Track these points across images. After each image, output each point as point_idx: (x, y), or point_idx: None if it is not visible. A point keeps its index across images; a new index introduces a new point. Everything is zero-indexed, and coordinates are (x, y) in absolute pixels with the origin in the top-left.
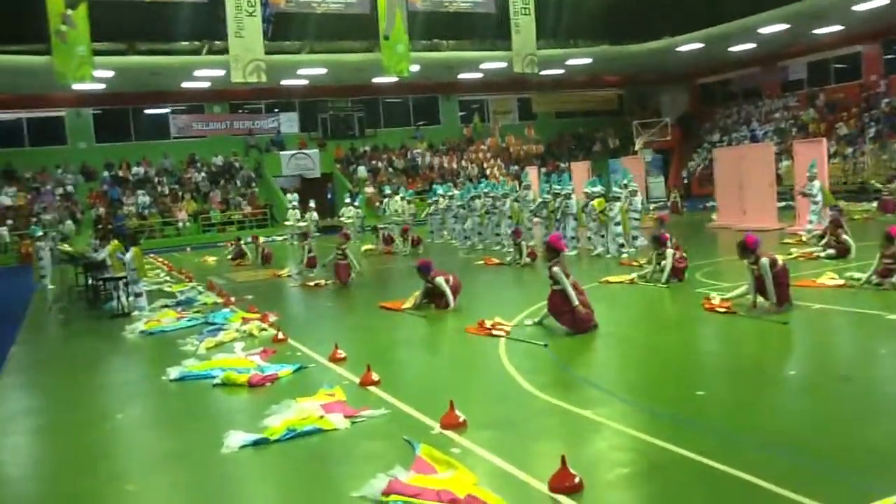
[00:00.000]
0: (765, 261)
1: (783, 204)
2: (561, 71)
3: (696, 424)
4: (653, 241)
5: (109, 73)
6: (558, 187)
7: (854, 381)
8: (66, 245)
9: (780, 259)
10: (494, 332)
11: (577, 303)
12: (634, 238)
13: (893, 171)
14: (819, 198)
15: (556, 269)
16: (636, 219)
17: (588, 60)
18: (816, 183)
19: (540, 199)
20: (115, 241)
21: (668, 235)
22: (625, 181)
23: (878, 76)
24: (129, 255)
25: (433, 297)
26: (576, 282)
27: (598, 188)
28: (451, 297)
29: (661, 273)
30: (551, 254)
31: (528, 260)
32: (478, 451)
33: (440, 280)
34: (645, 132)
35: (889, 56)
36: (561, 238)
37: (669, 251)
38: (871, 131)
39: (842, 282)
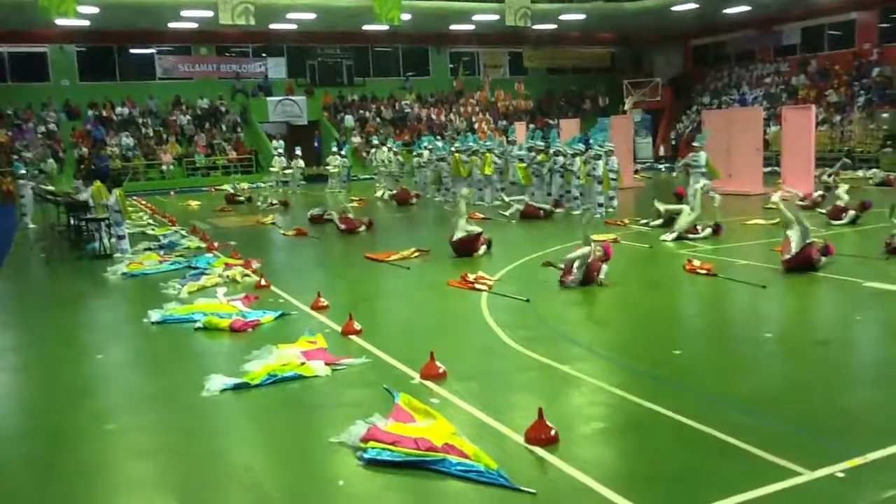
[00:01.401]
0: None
1: (769, 169)
2: (554, 26)
3: (673, 383)
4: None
5: (94, 10)
6: (540, 143)
7: (829, 345)
8: (48, 184)
9: None
10: (477, 285)
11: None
12: (611, 198)
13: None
14: (704, 170)
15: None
16: (614, 179)
17: (582, 16)
18: (703, 154)
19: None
20: (98, 183)
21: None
22: (600, 140)
23: (871, 45)
24: (112, 197)
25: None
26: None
27: (580, 146)
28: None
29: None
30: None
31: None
32: (456, 401)
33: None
34: (636, 92)
35: (884, 24)
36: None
37: (686, 208)
38: (860, 100)
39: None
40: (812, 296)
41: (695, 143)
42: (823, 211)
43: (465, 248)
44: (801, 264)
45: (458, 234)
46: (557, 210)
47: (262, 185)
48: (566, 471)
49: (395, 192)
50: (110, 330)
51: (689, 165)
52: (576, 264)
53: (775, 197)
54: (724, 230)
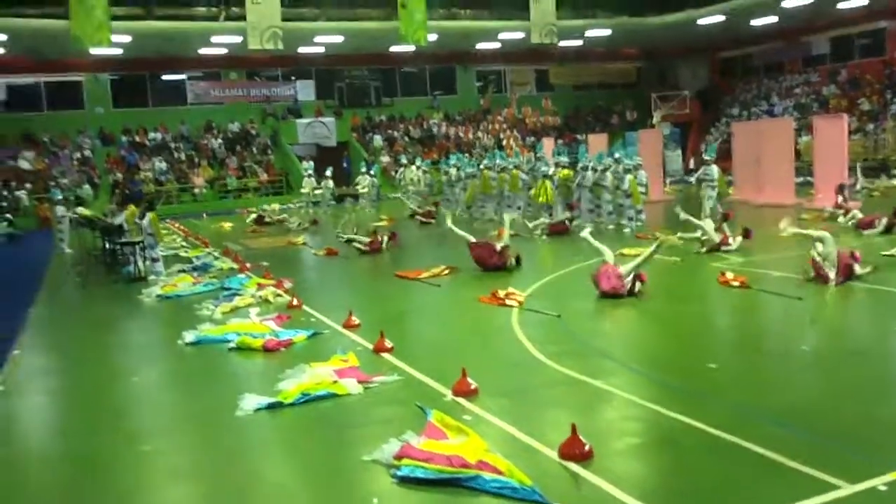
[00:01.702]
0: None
1: (801, 179)
2: (579, 42)
3: (707, 397)
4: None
5: (127, 38)
6: (565, 160)
7: (866, 356)
8: (83, 209)
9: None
10: (508, 301)
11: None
12: (639, 212)
13: None
14: (715, 184)
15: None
16: (643, 192)
17: (607, 32)
18: (714, 168)
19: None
20: (132, 207)
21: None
22: (617, 155)
23: None
24: (146, 220)
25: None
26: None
27: (609, 160)
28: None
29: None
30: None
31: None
32: (489, 418)
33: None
34: (663, 105)
35: None
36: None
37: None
38: (893, 108)
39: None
40: (849, 307)
41: (705, 157)
42: (852, 221)
43: (482, 258)
44: (845, 275)
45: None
46: (574, 213)
47: (293, 206)
48: (601, 486)
49: (422, 210)
50: (145, 352)
51: (701, 180)
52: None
53: (785, 226)
54: (753, 233)
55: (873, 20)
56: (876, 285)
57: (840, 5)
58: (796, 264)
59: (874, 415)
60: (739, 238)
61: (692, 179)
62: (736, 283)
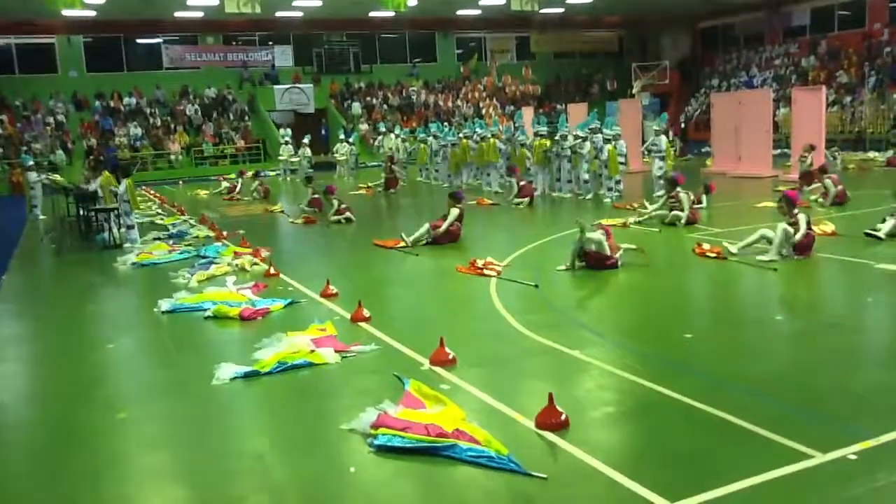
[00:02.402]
0: (802, 215)
1: (778, 151)
2: (561, 10)
3: (683, 366)
4: (668, 184)
5: (100, 0)
6: (543, 129)
7: (840, 327)
8: (57, 175)
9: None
10: (486, 271)
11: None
12: (618, 182)
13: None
14: (664, 153)
15: (596, 234)
16: (622, 163)
17: (589, 0)
18: (662, 138)
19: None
20: (107, 173)
21: (682, 178)
22: (594, 125)
23: (882, 24)
24: (121, 187)
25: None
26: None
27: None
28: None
29: (677, 215)
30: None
31: (520, 200)
32: (466, 387)
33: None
34: (644, 75)
35: (894, 4)
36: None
37: (684, 194)
38: (871, 81)
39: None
40: (823, 278)
41: (655, 127)
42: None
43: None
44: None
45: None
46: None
47: (269, 173)
48: (577, 455)
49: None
50: (121, 320)
51: (649, 150)
52: (593, 248)
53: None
54: (715, 186)
55: None
56: (849, 257)
57: None
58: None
59: (846, 385)
60: (704, 196)
61: (642, 149)
62: (712, 255)
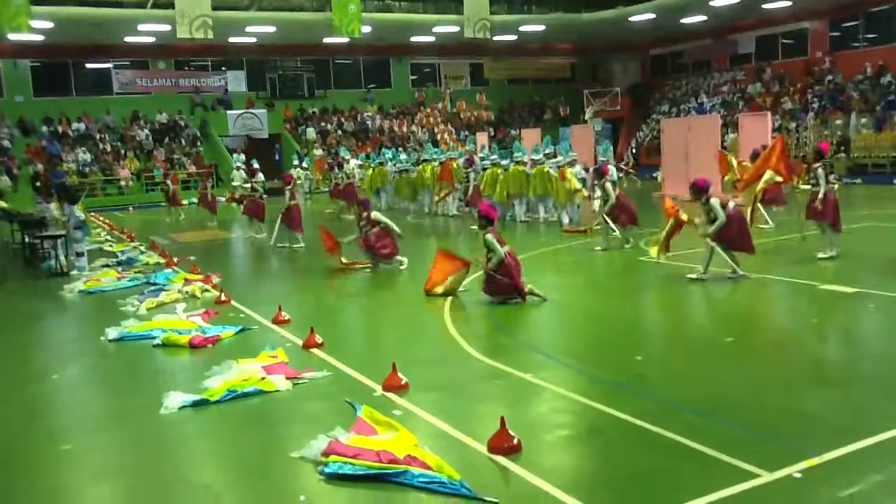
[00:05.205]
0: (715, 200)
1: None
2: (514, 37)
3: (634, 388)
4: (595, 174)
5: (48, 24)
6: (495, 158)
7: (786, 348)
8: (1, 201)
9: (731, 202)
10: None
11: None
12: (577, 206)
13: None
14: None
15: (489, 236)
16: (578, 189)
17: (541, 28)
18: (612, 168)
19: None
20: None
21: (609, 168)
22: (547, 150)
23: (823, 52)
24: (80, 213)
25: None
26: (511, 250)
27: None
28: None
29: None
30: (483, 221)
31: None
32: (419, 412)
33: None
34: (596, 101)
35: (834, 34)
36: (492, 206)
37: (609, 184)
38: (814, 106)
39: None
40: (770, 299)
41: (601, 158)
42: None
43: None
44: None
45: None
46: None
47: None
48: (529, 479)
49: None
50: (66, 349)
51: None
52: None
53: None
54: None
55: (796, 21)
56: (796, 279)
57: (765, 5)
58: (718, 258)
59: (793, 405)
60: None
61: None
62: (684, 218)
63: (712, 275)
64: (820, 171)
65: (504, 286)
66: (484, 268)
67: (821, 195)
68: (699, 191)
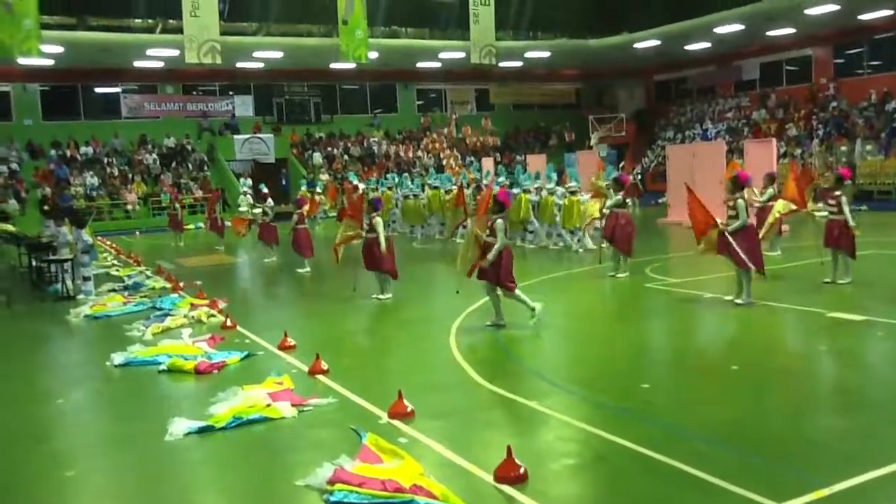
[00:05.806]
0: (742, 202)
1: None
2: (519, 63)
3: (641, 416)
4: (615, 183)
5: (58, 49)
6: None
7: (794, 375)
8: (8, 225)
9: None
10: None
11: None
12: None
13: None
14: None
15: (500, 221)
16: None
17: (546, 54)
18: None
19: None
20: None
21: (628, 178)
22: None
23: (827, 79)
24: (87, 237)
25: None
26: (508, 246)
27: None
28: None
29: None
30: (497, 206)
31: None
32: (425, 440)
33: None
34: (601, 127)
35: (839, 60)
36: (509, 194)
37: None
38: (819, 133)
39: None
40: (777, 326)
41: (604, 183)
42: None
43: None
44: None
45: None
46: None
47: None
48: None
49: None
50: (72, 373)
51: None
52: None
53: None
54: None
55: (800, 47)
56: (802, 307)
57: (769, 32)
58: (725, 284)
59: (801, 433)
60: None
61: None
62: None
63: (719, 300)
64: (843, 198)
65: (496, 274)
66: (479, 257)
67: (851, 223)
68: (739, 185)
